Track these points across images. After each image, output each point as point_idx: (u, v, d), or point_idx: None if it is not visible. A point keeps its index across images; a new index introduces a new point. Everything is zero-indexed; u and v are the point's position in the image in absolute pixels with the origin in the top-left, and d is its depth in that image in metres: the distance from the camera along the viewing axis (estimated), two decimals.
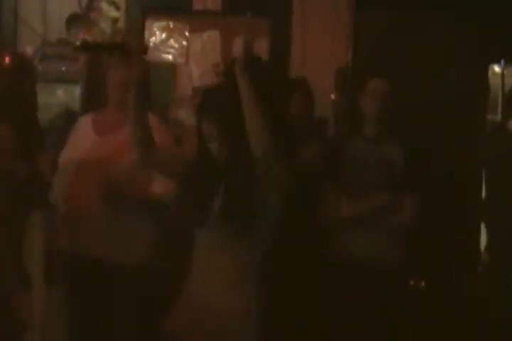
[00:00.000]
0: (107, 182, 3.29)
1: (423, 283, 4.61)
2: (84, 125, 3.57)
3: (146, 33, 5.01)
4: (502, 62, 5.20)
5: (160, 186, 3.27)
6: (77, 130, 3.59)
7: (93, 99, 4.44)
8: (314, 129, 4.09)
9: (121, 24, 4.87)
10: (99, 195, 3.31)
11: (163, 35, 5.03)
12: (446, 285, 4.70)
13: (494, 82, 5.23)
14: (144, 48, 2.76)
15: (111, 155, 3.34)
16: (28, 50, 4.75)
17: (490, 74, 5.12)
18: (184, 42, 5.02)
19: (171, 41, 5.02)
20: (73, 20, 4.76)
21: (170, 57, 5.04)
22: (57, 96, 4.75)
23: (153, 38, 5.02)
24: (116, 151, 3.33)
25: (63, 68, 4.76)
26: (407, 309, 3.78)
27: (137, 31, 4.99)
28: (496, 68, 5.33)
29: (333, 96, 4.84)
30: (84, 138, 3.50)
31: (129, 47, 2.67)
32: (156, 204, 3.35)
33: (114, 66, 3.41)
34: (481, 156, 4.51)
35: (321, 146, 3.94)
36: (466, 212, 4.80)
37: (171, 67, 5.04)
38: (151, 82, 3.49)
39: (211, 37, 4.99)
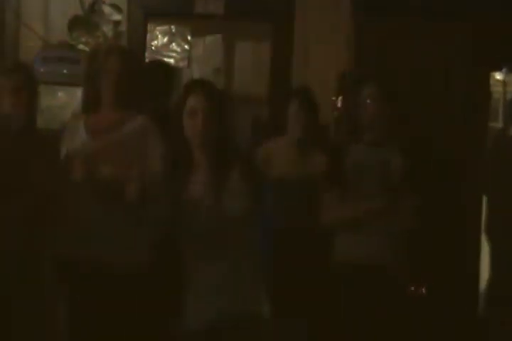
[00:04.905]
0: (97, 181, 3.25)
1: (424, 289, 4.57)
2: (75, 126, 3.56)
3: (148, 36, 5.02)
4: (504, 69, 5.21)
5: None
6: (68, 132, 3.57)
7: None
8: (317, 137, 4.08)
9: (123, 27, 4.86)
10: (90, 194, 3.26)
11: (165, 39, 5.03)
12: (446, 290, 4.69)
13: (496, 90, 5.23)
14: None
15: (102, 155, 3.32)
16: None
17: (491, 81, 5.11)
18: (186, 46, 5.03)
19: (173, 45, 5.03)
20: (75, 23, 4.76)
21: (172, 61, 5.04)
22: (59, 99, 4.75)
23: (155, 42, 5.03)
24: (108, 151, 3.32)
25: (65, 70, 4.76)
26: (405, 313, 3.76)
27: (139, 35, 5.00)
28: (498, 76, 5.34)
29: (336, 101, 4.83)
30: (75, 139, 3.48)
31: None
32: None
33: (108, 67, 3.40)
34: (483, 163, 4.51)
35: (323, 154, 3.95)
36: (467, 219, 4.79)
37: None
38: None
39: (213, 41, 5.00)
